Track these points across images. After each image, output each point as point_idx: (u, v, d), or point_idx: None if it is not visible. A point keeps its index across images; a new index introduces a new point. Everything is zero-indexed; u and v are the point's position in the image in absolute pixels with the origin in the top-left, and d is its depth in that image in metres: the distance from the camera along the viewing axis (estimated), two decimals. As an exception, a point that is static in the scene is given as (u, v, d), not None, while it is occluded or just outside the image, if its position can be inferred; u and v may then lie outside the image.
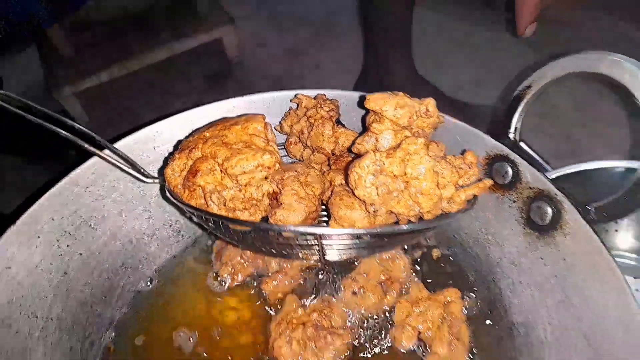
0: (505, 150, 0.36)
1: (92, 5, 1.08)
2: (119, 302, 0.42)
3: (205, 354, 0.38)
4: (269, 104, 0.42)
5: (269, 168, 0.31)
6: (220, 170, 0.31)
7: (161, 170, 0.40)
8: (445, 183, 0.30)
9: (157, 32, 1.07)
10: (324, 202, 0.35)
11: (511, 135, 0.38)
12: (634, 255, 0.64)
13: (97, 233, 0.40)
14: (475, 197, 0.33)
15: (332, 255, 0.31)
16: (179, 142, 0.38)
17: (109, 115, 1.03)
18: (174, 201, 0.34)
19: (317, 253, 0.31)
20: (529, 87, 0.36)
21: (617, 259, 0.61)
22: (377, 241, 0.32)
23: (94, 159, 0.39)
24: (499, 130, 0.39)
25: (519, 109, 0.37)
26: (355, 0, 1.17)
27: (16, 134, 0.96)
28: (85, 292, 0.39)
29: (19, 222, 0.35)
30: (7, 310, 0.34)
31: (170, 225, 0.45)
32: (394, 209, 0.30)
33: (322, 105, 0.38)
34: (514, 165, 0.36)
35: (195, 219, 0.35)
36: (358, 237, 0.31)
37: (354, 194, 0.30)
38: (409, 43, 0.83)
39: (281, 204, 0.32)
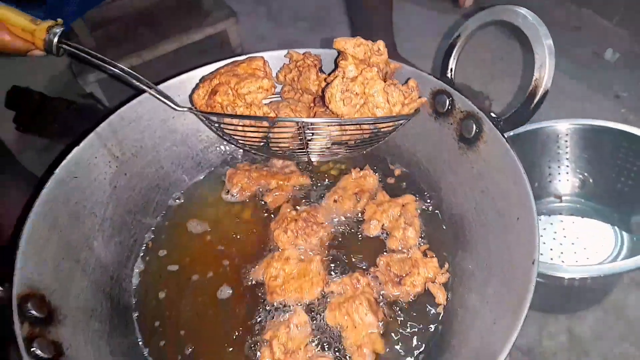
0: (444, 86, 0.48)
1: (107, 3, 1.21)
2: (155, 212, 0.54)
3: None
4: (268, 61, 0.55)
5: (267, 90, 0.44)
6: (232, 93, 0.44)
7: (189, 97, 0.52)
8: (394, 101, 0.43)
9: (166, 26, 1.20)
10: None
11: (448, 75, 0.50)
12: (574, 198, 0.77)
13: (137, 160, 0.53)
14: (416, 110, 0.45)
15: (314, 145, 0.44)
16: (202, 78, 0.51)
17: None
18: (200, 115, 0.45)
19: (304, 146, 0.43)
20: (458, 36, 0.49)
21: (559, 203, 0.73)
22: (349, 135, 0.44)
23: (136, 100, 0.51)
24: (439, 72, 0.51)
25: (453, 53, 0.49)
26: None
27: (41, 115, 1.09)
28: (129, 203, 0.52)
29: (80, 144, 0.47)
30: (75, 207, 0.47)
31: (192, 158, 0.57)
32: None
33: (308, 58, 0.51)
34: (449, 96, 0.48)
35: (214, 128, 0.47)
36: (331, 125, 0.43)
37: (327, 108, 0.43)
38: (391, 30, 0.95)
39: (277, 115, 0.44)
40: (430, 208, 0.52)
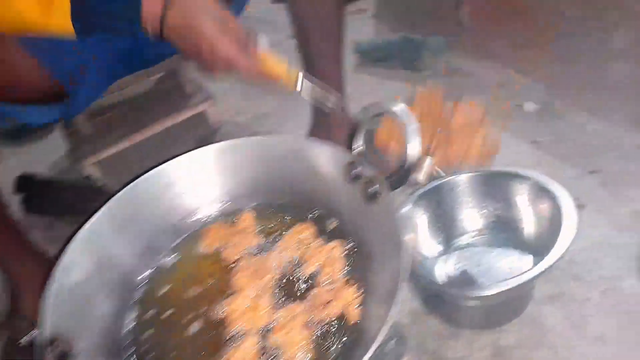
0: (353, 158, 0.67)
1: (104, 95, 1.41)
2: (144, 270, 0.71)
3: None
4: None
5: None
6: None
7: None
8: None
9: (155, 111, 1.40)
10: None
11: (357, 150, 0.69)
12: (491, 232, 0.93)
13: (136, 228, 0.70)
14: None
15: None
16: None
17: (123, 178, 1.34)
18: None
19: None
20: (360, 121, 0.68)
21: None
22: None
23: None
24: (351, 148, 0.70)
25: (357, 135, 0.68)
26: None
27: (44, 197, 1.27)
28: (125, 264, 0.69)
29: (88, 224, 0.65)
30: (82, 274, 0.63)
31: (174, 225, 0.75)
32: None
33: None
34: (357, 166, 0.66)
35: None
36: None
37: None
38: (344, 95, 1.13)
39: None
40: (352, 249, 0.69)
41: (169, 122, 1.39)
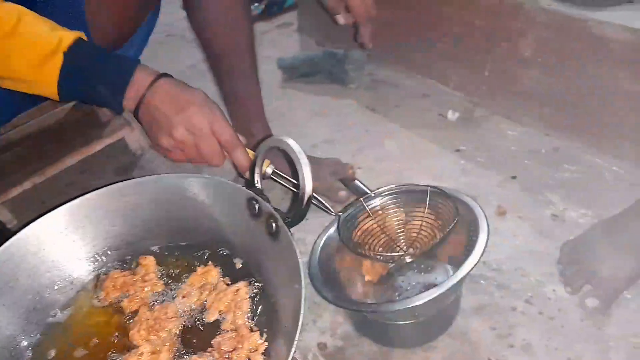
0: (252, 194, 0.63)
1: (9, 127, 1.31)
2: (33, 332, 0.64)
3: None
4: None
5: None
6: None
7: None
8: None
9: (68, 141, 1.32)
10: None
11: (256, 185, 0.65)
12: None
13: (13, 290, 0.63)
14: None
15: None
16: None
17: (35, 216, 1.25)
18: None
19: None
20: (256, 156, 0.64)
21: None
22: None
23: (8, 242, 0.63)
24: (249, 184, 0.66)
25: (256, 169, 0.65)
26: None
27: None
28: (9, 328, 0.62)
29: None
30: None
31: (65, 279, 0.69)
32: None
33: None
34: (257, 202, 0.63)
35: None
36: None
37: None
38: (263, 115, 1.10)
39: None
40: (258, 290, 0.65)
41: (85, 153, 1.31)
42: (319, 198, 0.61)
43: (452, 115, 1.29)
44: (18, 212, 1.23)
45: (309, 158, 0.61)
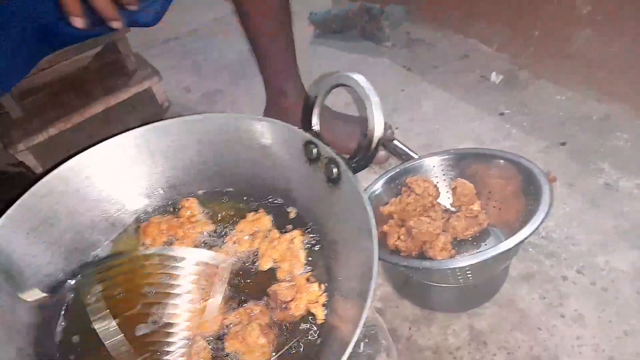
0: (310, 137, 0.58)
1: (33, 73, 1.26)
2: (74, 273, 0.61)
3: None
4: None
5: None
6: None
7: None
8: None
9: (94, 89, 1.27)
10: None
11: (314, 128, 0.60)
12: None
13: (53, 229, 0.60)
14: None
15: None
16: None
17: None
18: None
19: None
20: (315, 97, 0.59)
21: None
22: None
23: (49, 175, 0.58)
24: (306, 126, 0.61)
25: (313, 111, 0.59)
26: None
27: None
28: (49, 268, 0.59)
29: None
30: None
31: (107, 220, 0.65)
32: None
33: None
34: (315, 145, 0.58)
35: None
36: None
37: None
38: (297, 74, 1.04)
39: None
40: (314, 240, 0.61)
41: (110, 101, 1.27)
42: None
43: (495, 77, 1.22)
44: (42, 159, 1.20)
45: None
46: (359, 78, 0.53)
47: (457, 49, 1.35)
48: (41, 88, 1.29)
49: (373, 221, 0.48)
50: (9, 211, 0.55)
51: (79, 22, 0.62)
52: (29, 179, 1.15)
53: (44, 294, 0.57)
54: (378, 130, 0.52)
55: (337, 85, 0.56)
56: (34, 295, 0.56)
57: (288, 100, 1.04)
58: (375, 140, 0.52)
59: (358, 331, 0.41)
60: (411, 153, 0.91)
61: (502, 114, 1.14)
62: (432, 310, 0.82)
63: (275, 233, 0.61)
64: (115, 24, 0.66)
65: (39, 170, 1.17)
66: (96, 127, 1.29)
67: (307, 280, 0.56)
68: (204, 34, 1.63)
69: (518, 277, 0.84)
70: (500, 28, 1.25)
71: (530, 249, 0.87)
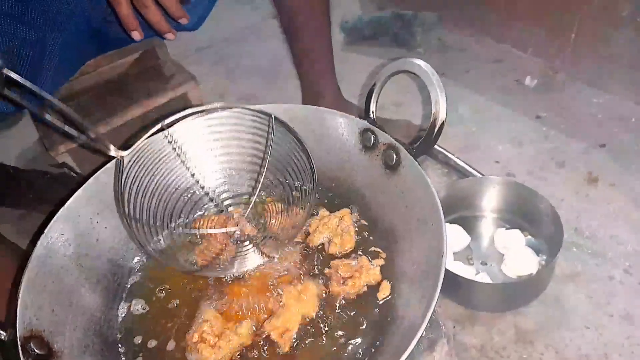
0: (368, 125, 0.59)
1: (74, 78, 1.30)
2: (134, 258, 0.62)
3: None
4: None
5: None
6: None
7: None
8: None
9: (133, 93, 1.30)
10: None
11: (371, 115, 0.61)
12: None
13: (115, 214, 0.61)
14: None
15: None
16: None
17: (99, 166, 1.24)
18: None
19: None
20: (374, 84, 0.60)
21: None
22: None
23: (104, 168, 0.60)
24: (364, 114, 0.62)
25: (372, 98, 0.60)
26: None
27: (15, 188, 1.16)
28: (111, 253, 0.60)
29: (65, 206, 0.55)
30: (63, 261, 0.54)
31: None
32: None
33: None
34: (373, 132, 0.59)
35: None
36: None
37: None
38: (334, 76, 1.06)
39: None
40: (365, 222, 0.62)
41: (148, 105, 1.29)
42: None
43: (529, 81, 1.23)
44: (81, 160, 1.22)
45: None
46: (422, 63, 0.54)
47: (490, 53, 1.36)
48: (84, 92, 1.33)
49: (439, 203, 0.49)
50: (83, 188, 0.57)
51: (137, 35, 0.67)
52: (72, 179, 1.18)
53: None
54: (442, 113, 0.53)
55: (399, 72, 0.57)
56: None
57: (325, 101, 1.04)
58: (438, 123, 0.53)
59: (430, 311, 0.42)
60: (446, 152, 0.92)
61: (538, 116, 1.14)
62: (476, 309, 0.81)
63: (324, 211, 0.62)
64: (170, 36, 0.69)
65: (78, 170, 1.20)
66: (134, 129, 1.32)
67: (369, 260, 0.57)
68: (235, 41, 1.66)
69: (563, 276, 0.83)
70: (536, 32, 1.26)
71: (574, 249, 0.87)
